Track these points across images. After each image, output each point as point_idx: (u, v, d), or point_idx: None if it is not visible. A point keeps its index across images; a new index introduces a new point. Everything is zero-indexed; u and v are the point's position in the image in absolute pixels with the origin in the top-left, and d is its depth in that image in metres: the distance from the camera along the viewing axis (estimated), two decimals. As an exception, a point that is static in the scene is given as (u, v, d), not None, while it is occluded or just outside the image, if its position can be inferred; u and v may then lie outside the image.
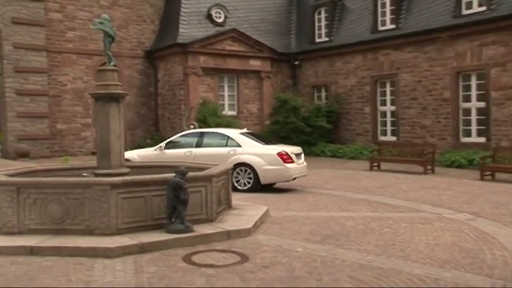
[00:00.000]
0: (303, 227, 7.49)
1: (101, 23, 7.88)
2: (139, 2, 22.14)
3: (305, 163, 12.09)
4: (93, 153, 19.40)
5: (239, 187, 11.19)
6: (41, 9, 19.45)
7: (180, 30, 21.05)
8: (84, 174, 8.12)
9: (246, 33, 21.83)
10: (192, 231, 6.58)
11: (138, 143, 21.39)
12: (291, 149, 11.80)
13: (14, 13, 18.82)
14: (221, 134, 12.40)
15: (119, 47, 20.78)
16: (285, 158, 11.26)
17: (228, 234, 6.74)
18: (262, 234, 7.00)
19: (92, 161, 9.26)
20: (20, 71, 18.93)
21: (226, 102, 21.94)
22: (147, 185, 6.71)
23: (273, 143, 12.54)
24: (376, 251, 6.20)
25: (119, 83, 7.81)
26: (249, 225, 7.08)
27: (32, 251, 5.96)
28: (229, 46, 21.32)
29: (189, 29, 21.28)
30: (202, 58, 20.68)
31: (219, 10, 22.21)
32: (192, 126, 19.78)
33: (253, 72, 22.24)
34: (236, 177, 11.27)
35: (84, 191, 6.46)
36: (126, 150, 13.32)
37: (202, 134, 12.67)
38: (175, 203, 6.56)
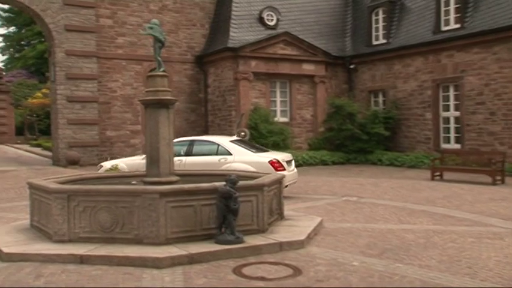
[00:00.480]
0: (359, 240, 7.37)
1: (150, 28, 8.08)
2: (189, 6, 22.60)
3: (295, 170, 12.28)
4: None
5: None
6: (92, 15, 20.23)
7: (231, 34, 21.33)
8: (133, 182, 8.32)
9: (299, 36, 21.83)
10: (242, 242, 6.61)
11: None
12: (282, 156, 12.03)
13: (66, 20, 19.67)
14: (211, 141, 12.63)
15: (169, 52, 21.27)
16: (277, 165, 11.50)
17: (280, 246, 6.72)
18: (316, 247, 6.94)
19: (141, 169, 9.49)
20: (71, 77, 19.74)
21: (278, 108, 21.98)
22: (196, 193, 6.80)
23: (263, 150, 12.79)
24: (439, 267, 6.01)
25: (169, 89, 7.97)
26: (302, 237, 7.03)
27: (82, 260, 6.16)
28: (281, 50, 21.39)
29: (240, 33, 21.51)
30: (253, 63, 20.84)
31: (271, 13, 22.34)
32: (242, 133, 19.94)
33: (306, 77, 22.19)
34: None
35: (133, 200, 6.62)
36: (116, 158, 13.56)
37: (192, 142, 12.85)
38: (226, 213, 6.61)
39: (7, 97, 38.49)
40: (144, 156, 12.83)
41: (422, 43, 19.92)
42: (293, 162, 12.42)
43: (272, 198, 7.74)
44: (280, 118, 21.72)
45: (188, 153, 12.59)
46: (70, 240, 6.72)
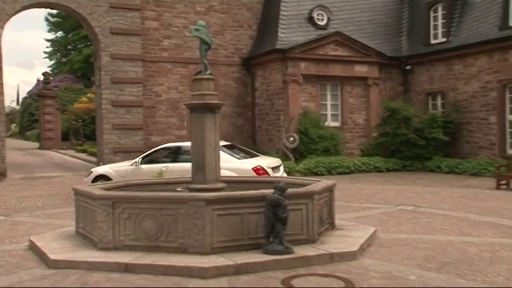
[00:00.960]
0: (416, 252, 7.20)
1: (197, 29, 8.19)
2: (236, 7, 22.82)
3: (284, 175, 12.62)
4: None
5: None
6: (138, 18, 20.72)
7: (279, 35, 21.37)
8: (179, 189, 8.43)
9: (351, 36, 21.64)
10: (291, 252, 6.58)
11: (233, 157, 21.91)
12: (268, 162, 12.58)
13: (112, 24, 20.23)
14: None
15: (215, 54, 21.52)
16: (261, 172, 12.02)
17: (331, 257, 6.66)
18: (369, 258, 6.84)
19: (187, 176, 9.61)
20: (116, 81, 20.27)
21: (329, 112, 21.84)
22: (243, 201, 6.82)
23: (252, 156, 13.30)
24: (508, 284, 5.79)
25: (215, 93, 8.05)
26: (355, 248, 6.95)
27: (127, 268, 6.28)
28: (332, 51, 21.25)
29: (289, 34, 21.53)
30: (303, 64, 20.80)
31: (322, 12, 22.26)
32: (291, 139, 19.94)
33: (359, 79, 21.96)
34: None
35: (178, 207, 6.71)
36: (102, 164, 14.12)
37: (178, 149, 13.31)
38: (274, 222, 6.60)
39: (54, 102, 39.82)
40: (132, 162, 13.57)
41: (487, 41, 19.31)
42: (281, 167, 12.96)
43: (323, 206, 7.68)
44: (331, 122, 21.56)
45: (174, 160, 13.02)
46: (115, 248, 6.88)
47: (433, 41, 22.11)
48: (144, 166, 13.11)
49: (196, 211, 6.60)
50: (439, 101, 21.85)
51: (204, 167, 7.74)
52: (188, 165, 11.64)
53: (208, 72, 8.09)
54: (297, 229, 7.04)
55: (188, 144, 13.18)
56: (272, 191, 6.70)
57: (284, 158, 19.85)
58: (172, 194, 7.25)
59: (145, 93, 20.98)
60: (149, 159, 13.34)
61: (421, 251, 7.29)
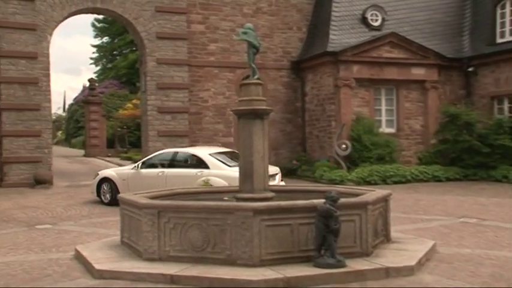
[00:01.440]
0: (481, 269, 6.99)
1: (244, 33, 8.25)
2: (285, 8, 22.87)
3: (282, 183, 13.33)
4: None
5: None
6: (184, 22, 21.07)
7: (331, 36, 21.26)
8: (225, 198, 8.50)
9: (408, 37, 21.31)
10: (344, 266, 6.51)
11: (283, 165, 21.91)
12: None
13: (158, 28, 20.64)
14: (191, 154, 14.11)
15: (263, 58, 21.62)
16: None
17: (387, 272, 6.54)
18: (429, 274, 6.68)
19: (234, 184, 9.68)
20: (162, 87, 20.65)
21: (384, 118, 21.54)
22: (293, 211, 6.80)
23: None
24: None
25: (263, 98, 8.08)
26: (412, 262, 6.81)
27: (172, 280, 6.37)
28: (387, 53, 20.99)
29: (341, 35, 21.40)
30: (355, 68, 20.63)
31: (376, 12, 22.03)
32: (344, 146, 19.77)
33: (416, 83, 21.58)
34: None
35: (225, 217, 6.76)
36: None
37: (175, 154, 14.48)
38: (325, 233, 6.55)
39: (99, 109, 40.86)
40: (133, 165, 14.68)
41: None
42: (278, 176, 13.46)
43: (377, 218, 7.57)
44: (385, 129, 21.27)
45: (171, 165, 14.05)
46: (160, 259, 6.98)
47: (499, 40, 21.49)
48: (143, 170, 14.21)
49: (243, 221, 6.62)
50: (505, 105, 21.18)
51: (251, 175, 7.77)
52: (181, 171, 13.51)
53: (256, 76, 8.12)
54: (349, 241, 6.97)
55: (184, 150, 14.91)
56: (323, 200, 6.66)
57: (336, 166, 19.72)
58: (219, 204, 7.29)
59: (191, 99, 21.27)
60: (149, 164, 14.33)
61: (487, 267, 7.07)
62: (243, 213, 6.65)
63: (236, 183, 11.53)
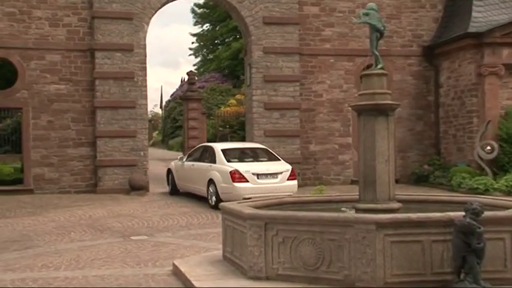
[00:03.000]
0: None
1: (366, 14, 8.16)
2: (416, -17, 22.34)
3: (293, 183, 15.92)
4: (353, 182, 20.14)
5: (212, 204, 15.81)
6: (295, 3, 21.15)
7: (474, 14, 20.49)
8: (343, 208, 8.46)
9: None
10: (489, 295, 6.27)
11: (411, 170, 21.44)
12: (259, 168, 15.84)
13: (265, 12, 20.88)
14: (210, 147, 17.64)
15: (388, 43, 21.29)
16: (235, 176, 15.29)
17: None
18: None
19: (353, 192, 9.60)
20: (269, 80, 20.84)
21: (540, 113, 20.41)
22: (425, 226, 6.63)
23: (270, 159, 16.90)
24: None
25: (388, 91, 7.96)
26: None
27: (281, 302, 6.44)
28: (544, 32, 19.89)
29: (487, 12, 20.54)
30: (505, 52, 19.74)
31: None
32: (488, 148, 18.99)
33: None
34: (211, 193, 16.08)
35: (342, 231, 6.71)
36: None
37: (205, 148, 18.17)
38: (466, 253, 6.33)
39: (199, 106, 42.00)
40: (181, 157, 19.08)
41: None
42: (281, 175, 15.81)
43: (532, 236, 7.18)
44: (543, 127, 20.15)
45: (198, 159, 17.76)
46: (267, 278, 7.07)
47: None
48: (186, 163, 18.36)
49: (364, 236, 6.55)
50: None
51: (374, 182, 7.67)
52: (201, 164, 17.18)
53: (380, 66, 8.03)
54: (497, 265, 6.68)
55: (209, 144, 19.02)
56: (463, 214, 6.43)
57: (478, 172, 18.98)
58: (335, 215, 7.27)
59: (302, 94, 21.34)
60: (190, 157, 18.40)
61: None
62: (364, 227, 6.57)
63: (226, 178, 15.31)
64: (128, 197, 18.50)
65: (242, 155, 17.07)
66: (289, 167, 16.31)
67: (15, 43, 19.30)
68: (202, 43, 61.75)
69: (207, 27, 60.21)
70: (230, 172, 15.36)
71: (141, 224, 13.47)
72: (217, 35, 57.66)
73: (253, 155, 17.39)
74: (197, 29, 61.84)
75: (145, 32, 20.22)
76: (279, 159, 17.06)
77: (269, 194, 13.91)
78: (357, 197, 8.09)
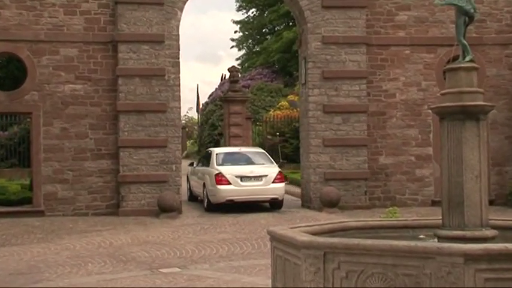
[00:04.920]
0: None
1: (451, -6, 8.06)
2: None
3: (271, 186, 19.84)
4: (434, 203, 19.86)
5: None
6: (361, -18, 21.10)
7: None
8: (421, 236, 8.36)
9: None
10: None
11: (510, 188, 20.98)
12: (240, 170, 20.09)
13: (325, -6, 20.80)
14: (210, 151, 22.29)
15: (480, 30, 21.08)
16: (218, 179, 19.56)
17: None
18: None
19: (434, 216, 9.44)
20: (329, 77, 20.73)
21: None
22: (527, 259, 6.49)
23: (266, 163, 21.12)
24: None
25: (480, 90, 7.81)
26: None
27: None
28: None
29: None
30: None
31: None
32: None
33: None
34: (204, 196, 20.83)
35: (421, 264, 6.59)
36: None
37: (208, 152, 22.77)
38: None
39: (243, 109, 41.86)
40: (191, 162, 22.12)
41: None
42: (265, 178, 19.92)
43: None
44: None
45: (206, 163, 21.59)
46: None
47: None
48: (196, 168, 22.97)
49: (450, 272, 6.42)
50: None
51: (461, 203, 7.53)
52: (204, 168, 21.62)
53: (468, 57, 7.90)
54: None
55: (213, 149, 23.58)
56: None
57: None
58: (411, 244, 7.14)
59: (370, 93, 21.21)
60: (200, 162, 22.77)
61: None
62: (449, 260, 6.45)
63: (213, 179, 19.76)
64: (157, 221, 18.60)
65: (237, 159, 21.33)
66: (276, 170, 20.80)
67: (24, 35, 19.62)
68: (247, 32, 61.81)
69: (252, 13, 60.30)
70: (215, 175, 19.84)
71: (172, 253, 13.52)
72: (265, 23, 57.64)
73: (248, 159, 21.53)
74: (241, 16, 62.06)
75: (179, 20, 20.36)
76: (272, 163, 21.65)
77: (252, 196, 19.68)
78: (440, 221, 7.97)
